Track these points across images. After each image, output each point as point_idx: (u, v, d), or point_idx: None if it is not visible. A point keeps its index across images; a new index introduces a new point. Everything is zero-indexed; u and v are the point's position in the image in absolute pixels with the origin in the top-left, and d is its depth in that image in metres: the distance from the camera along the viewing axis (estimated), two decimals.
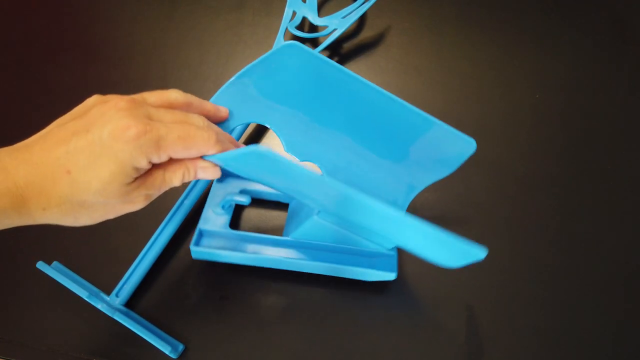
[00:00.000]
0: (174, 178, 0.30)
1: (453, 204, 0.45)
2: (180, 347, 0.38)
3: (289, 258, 0.39)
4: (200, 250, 0.39)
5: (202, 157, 0.30)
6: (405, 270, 0.41)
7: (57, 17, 0.57)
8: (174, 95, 0.31)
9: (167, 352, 0.36)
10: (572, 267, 0.43)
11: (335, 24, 0.51)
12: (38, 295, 0.40)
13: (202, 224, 0.40)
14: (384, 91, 0.36)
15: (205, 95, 0.51)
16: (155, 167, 0.29)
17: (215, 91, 0.51)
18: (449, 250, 0.33)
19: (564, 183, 0.47)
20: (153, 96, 0.30)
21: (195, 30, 0.55)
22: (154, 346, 0.37)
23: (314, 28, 0.56)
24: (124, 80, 0.52)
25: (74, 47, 0.54)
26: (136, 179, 0.28)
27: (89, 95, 0.51)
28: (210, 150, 0.29)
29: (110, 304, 0.38)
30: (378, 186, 0.40)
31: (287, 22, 0.51)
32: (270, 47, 0.50)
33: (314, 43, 0.54)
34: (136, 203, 0.29)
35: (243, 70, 0.35)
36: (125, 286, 0.39)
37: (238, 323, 0.40)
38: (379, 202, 0.31)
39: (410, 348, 0.39)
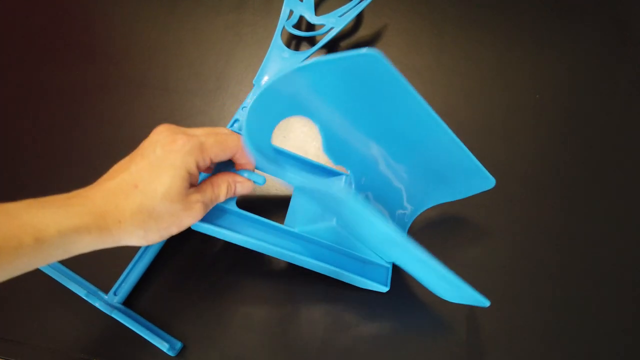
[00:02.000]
0: (221, 191, 0.35)
1: (453, 204, 0.45)
2: (179, 345, 0.38)
3: (290, 251, 0.38)
4: (202, 224, 0.36)
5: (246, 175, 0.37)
6: (405, 271, 0.41)
7: (57, 16, 0.57)
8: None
9: (165, 350, 0.36)
10: (573, 267, 0.43)
11: (332, 23, 0.51)
12: (37, 295, 0.40)
13: None
14: (435, 114, 0.36)
15: (205, 94, 0.51)
16: (203, 182, 0.35)
17: (215, 91, 0.51)
18: (454, 290, 0.34)
19: (564, 183, 0.47)
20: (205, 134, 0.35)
21: (195, 30, 0.55)
22: (152, 345, 0.37)
23: (311, 27, 0.56)
24: (124, 80, 0.52)
25: (73, 47, 0.54)
26: (191, 186, 0.33)
27: (89, 95, 0.51)
28: (240, 150, 0.35)
29: (109, 302, 0.38)
30: (394, 197, 0.41)
31: (284, 21, 0.51)
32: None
33: (311, 42, 0.54)
34: (194, 209, 0.33)
35: (311, 62, 0.33)
36: (123, 284, 0.39)
37: (238, 322, 0.39)
38: (404, 237, 0.31)
39: (411, 348, 0.39)
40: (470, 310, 0.40)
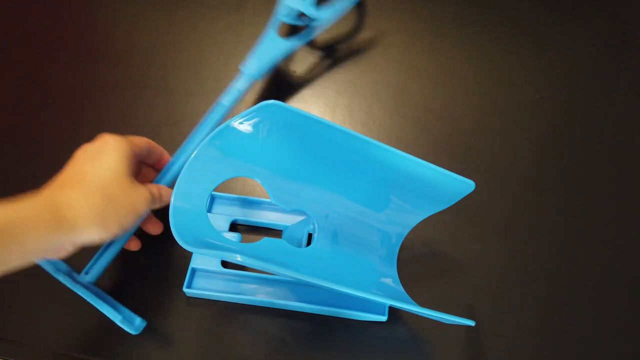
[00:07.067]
0: (153, 189, 0.36)
1: (453, 204, 0.45)
2: (138, 320, 0.37)
3: (283, 300, 0.39)
4: (194, 292, 0.39)
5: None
6: (405, 271, 0.41)
7: (57, 16, 0.57)
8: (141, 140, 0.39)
9: (117, 322, 0.36)
10: (572, 267, 0.43)
11: (323, 15, 0.49)
12: (37, 295, 0.40)
13: (194, 263, 0.40)
14: (372, 140, 0.35)
15: (206, 94, 0.51)
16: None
17: (215, 91, 0.51)
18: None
19: (564, 183, 0.47)
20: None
21: (195, 30, 0.55)
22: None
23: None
24: (124, 80, 0.52)
25: (73, 47, 0.54)
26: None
27: (89, 94, 0.51)
28: (149, 147, 0.39)
29: (77, 279, 0.38)
30: (370, 231, 0.40)
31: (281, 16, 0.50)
32: None
33: (311, 43, 0.54)
34: (143, 190, 0.35)
35: (214, 133, 0.35)
36: (96, 265, 0.38)
37: (237, 323, 0.39)
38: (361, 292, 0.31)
39: (411, 348, 0.39)
40: (470, 310, 0.40)
